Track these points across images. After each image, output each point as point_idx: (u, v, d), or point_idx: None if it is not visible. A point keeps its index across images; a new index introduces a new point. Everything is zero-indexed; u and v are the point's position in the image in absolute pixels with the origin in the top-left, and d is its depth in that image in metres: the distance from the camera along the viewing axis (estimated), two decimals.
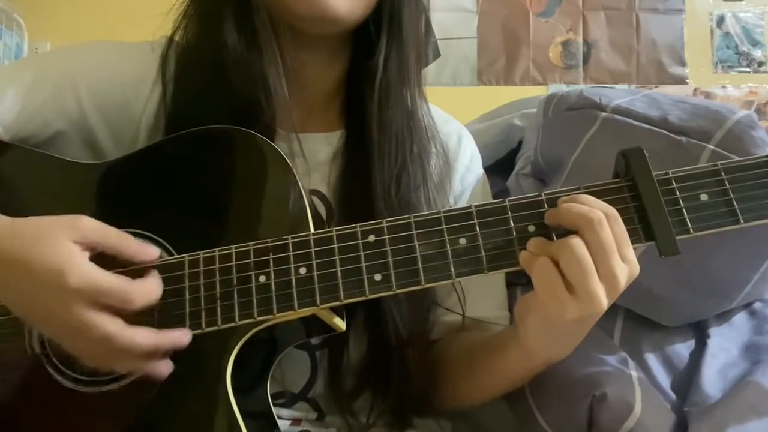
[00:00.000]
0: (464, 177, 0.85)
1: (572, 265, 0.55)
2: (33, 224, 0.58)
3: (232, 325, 0.60)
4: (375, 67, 0.75)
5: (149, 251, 0.60)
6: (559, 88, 2.19)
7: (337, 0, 0.69)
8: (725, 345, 0.82)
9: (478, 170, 0.88)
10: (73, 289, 0.54)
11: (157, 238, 0.65)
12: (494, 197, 0.90)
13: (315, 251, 0.61)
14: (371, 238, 0.61)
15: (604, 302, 0.56)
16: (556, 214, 0.59)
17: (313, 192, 0.76)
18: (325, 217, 0.75)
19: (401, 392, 0.74)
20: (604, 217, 0.56)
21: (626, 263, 0.57)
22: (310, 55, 0.76)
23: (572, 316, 0.56)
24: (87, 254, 0.56)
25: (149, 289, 0.58)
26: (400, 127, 0.75)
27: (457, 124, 0.89)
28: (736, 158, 0.67)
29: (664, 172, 0.59)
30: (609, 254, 0.55)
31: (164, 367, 0.59)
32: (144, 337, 0.56)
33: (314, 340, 0.74)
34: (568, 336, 0.64)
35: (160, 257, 0.62)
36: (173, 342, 0.58)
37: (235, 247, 0.62)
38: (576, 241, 0.56)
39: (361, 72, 0.77)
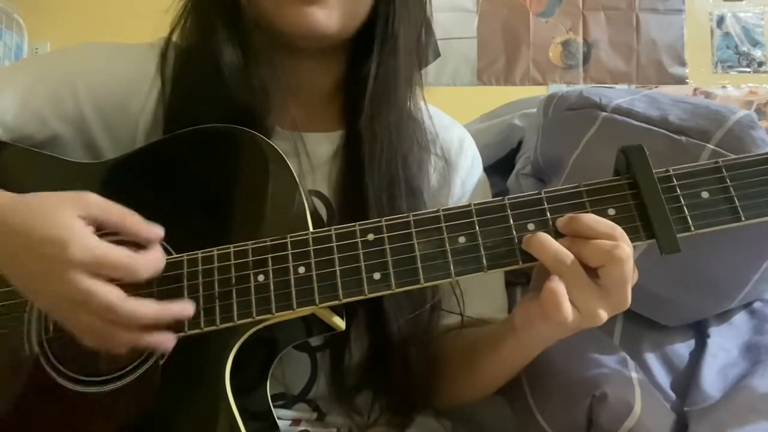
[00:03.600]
0: (465, 181, 0.85)
1: (582, 296, 0.57)
2: (37, 199, 0.57)
3: (230, 324, 0.60)
4: (366, 78, 0.74)
5: (153, 229, 0.59)
6: (559, 88, 2.18)
7: (320, 18, 0.68)
8: (725, 345, 0.82)
9: (479, 173, 0.88)
10: (77, 261, 0.53)
11: None
12: (494, 197, 0.90)
13: (314, 250, 0.61)
14: (370, 236, 0.61)
15: (605, 318, 0.58)
16: (576, 228, 0.58)
17: (313, 192, 0.76)
18: (325, 217, 0.75)
19: (402, 390, 0.74)
20: (631, 252, 0.56)
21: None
22: (304, 61, 0.76)
23: (573, 327, 0.58)
24: (91, 228, 0.56)
25: (153, 259, 0.57)
26: (389, 138, 0.75)
27: (459, 128, 0.89)
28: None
29: (664, 169, 0.59)
30: (626, 286, 0.57)
31: (167, 341, 0.58)
32: (146, 307, 0.56)
33: (315, 342, 0.74)
34: (566, 334, 0.63)
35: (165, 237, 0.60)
36: (175, 314, 0.58)
37: (234, 247, 0.62)
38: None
39: (357, 74, 0.76)
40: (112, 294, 0.54)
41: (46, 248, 0.54)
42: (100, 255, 0.54)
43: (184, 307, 0.58)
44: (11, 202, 0.58)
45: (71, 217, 0.55)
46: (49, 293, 0.56)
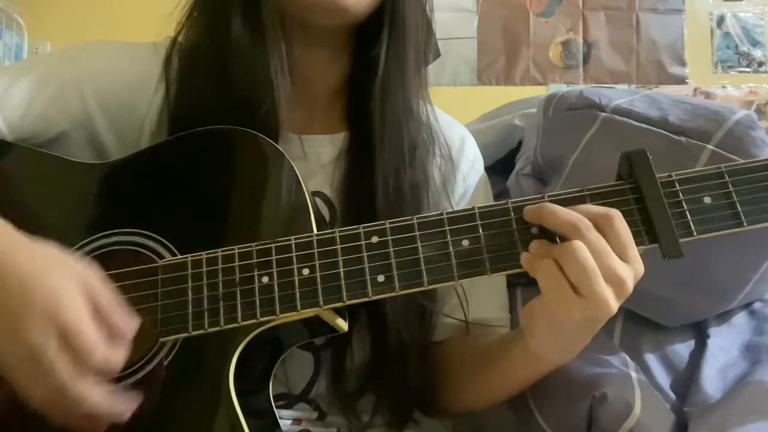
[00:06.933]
0: (467, 177, 0.86)
1: (575, 268, 0.56)
2: (48, 251, 0.57)
3: (235, 325, 0.61)
4: (376, 59, 0.75)
5: (128, 323, 0.57)
6: (559, 88, 2.19)
7: None
8: (725, 345, 0.82)
9: (480, 171, 0.88)
10: (62, 324, 0.52)
11: (160, 238, 0.65)
12: (494, 198, 0.90)
13: (318, 252, 0.61)
14: (374, 239, 0.61)
15: (613, 303, 0.56)
16: (539, 215, 0.59)
17: (317, 194, 0.76)
18: (328, 218, 0.75)
19: (403, 391, 0.74)
20: (590, 223, 0.56)
21: (629, 263, 0.57)
22: (314, 51, 0.76)
23: (578, 317, 0.56)
24: (86, 299, 0.55)
25: (111, 359, 0.55)
26: (400, 120, 0.76)
27: (461, 127, 0.90)
28: (738, 160, 0.67)
29: (667, 174, 0.60)
30: (606, 256, 0.56)
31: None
32: (96, 397, 0.55)
33: (318, 341, 0.74)
34: (575, 338, 0.63)
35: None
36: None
37: (238, 248, 0.62)
38: (578, 245, 0.56)
39: (363, 68, 0.77)
40: (65, 374, 0.53)
41: (42, 298, 0.53)
42: (80, 330, 0.53)
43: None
44: (21, 242, 0.57)
45: (72, 284, 0.54)
46: (11, 338, 0.54)
